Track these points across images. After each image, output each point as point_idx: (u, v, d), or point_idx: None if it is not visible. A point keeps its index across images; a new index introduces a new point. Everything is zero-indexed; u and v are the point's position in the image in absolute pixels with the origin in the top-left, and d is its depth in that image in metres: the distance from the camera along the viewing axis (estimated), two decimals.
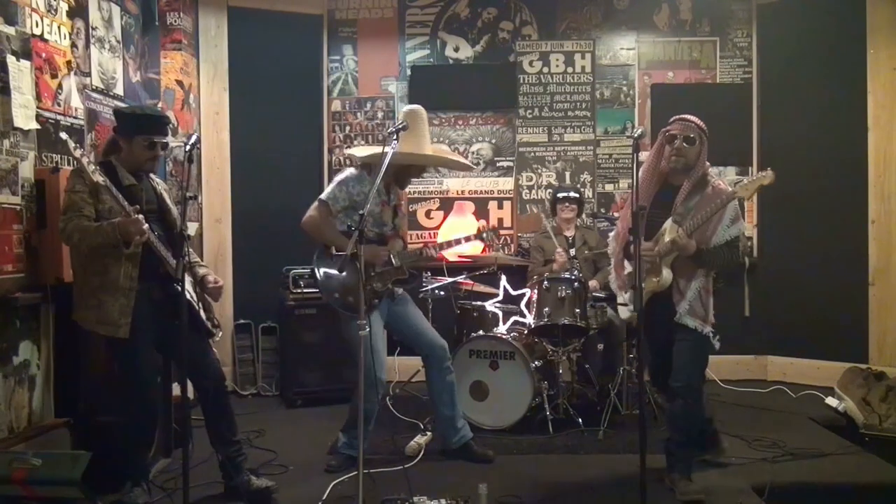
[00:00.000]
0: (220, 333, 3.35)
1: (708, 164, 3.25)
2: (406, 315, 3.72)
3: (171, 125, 3.19)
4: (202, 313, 3.22)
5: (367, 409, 3.49)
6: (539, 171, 5.75)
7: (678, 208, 3.17)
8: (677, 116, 3.26)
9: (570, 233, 4.95)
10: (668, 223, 3.16)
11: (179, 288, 2.78)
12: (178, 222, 3.23)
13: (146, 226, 2.90)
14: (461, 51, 5.74)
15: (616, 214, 4.86)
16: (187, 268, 3.24)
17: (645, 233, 3.15)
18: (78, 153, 2.85)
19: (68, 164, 3.58)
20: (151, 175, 3.24)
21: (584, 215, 5.25)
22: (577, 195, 4.98)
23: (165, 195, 3.25)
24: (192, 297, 3.16)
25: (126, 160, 3.08)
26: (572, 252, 4.82)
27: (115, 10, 4.19)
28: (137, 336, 2.98)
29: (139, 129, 3.05)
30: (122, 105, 4.19)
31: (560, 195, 4.98)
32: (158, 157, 3.13)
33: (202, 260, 3.93)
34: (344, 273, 3.28)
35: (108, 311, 2.95)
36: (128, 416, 3.09)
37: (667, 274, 3.16)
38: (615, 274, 3.51)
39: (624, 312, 3.56)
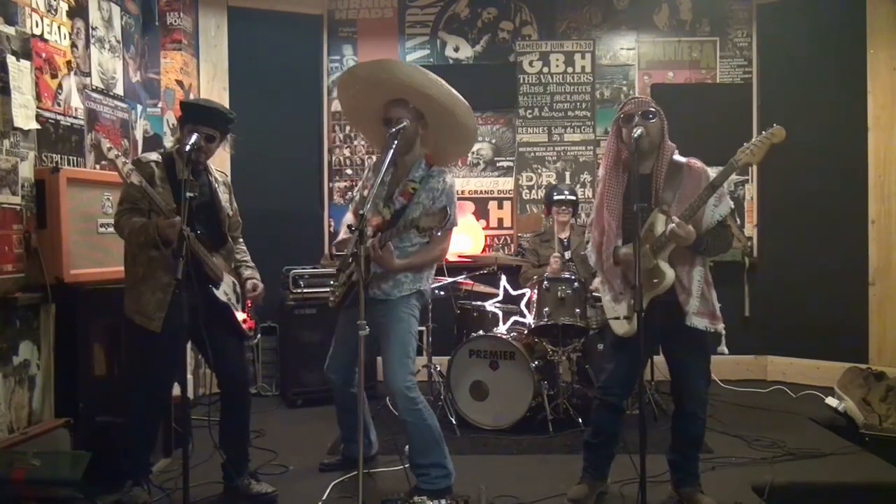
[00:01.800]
0: (258, 336, 3.34)
1: (673, 144, 3.02)
2: (380, 339, 3.28)
3: (227, 120, 3.11)
4: (238, 315, 3.20)
5: (339, 408, 3.52)
6: (539, 171, 5.75)
7: (662, 196, 2.93)
8: (628, 98, 3.05)
9: (564, 234, 4.88)
10: (655, 215, 2.91)
11: (210, 289, 2.75)
12: (228, 221, 3.24)
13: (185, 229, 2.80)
14: (461, 51, 5.74)
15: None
16: (234, 268, 3.27)
17: (624, 233, 3.00)
18: (112, 154, 2.84)
19: (68, 163, 3.58)
20: (213, 169, 3.21)
21: (582, 214, 5.23)
22: (573, 197, 4.91)
23: (221, 191, 3.22)
24: (229, 299, 3.16)
25: (181, 152, 3.07)
26: (567, 255, 4.79)
27: (115, 10, 4.19)
28: (167, 332, 2.98)
29: (187, 119, 3.06)
30: (122, 104, 4.21)
31: (556, 197, 4.88)
32: (202, 149, 3.03)
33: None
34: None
35: (145, 303, 2.99)
36: (135, 410, 3.09)
37: (668, 271, 2.89)
38: (607, 286, 3.10)
39: (619, 328, 3.03)
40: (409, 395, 3.16)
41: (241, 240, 3.44)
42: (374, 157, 3.45)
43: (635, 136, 2.84)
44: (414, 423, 3.18)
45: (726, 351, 3.03)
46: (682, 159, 3.00)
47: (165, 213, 2.87)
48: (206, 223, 3.11)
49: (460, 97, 3.31)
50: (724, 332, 2.97)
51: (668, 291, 2.92)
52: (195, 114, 3.07)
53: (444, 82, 3.27)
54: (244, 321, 3.24)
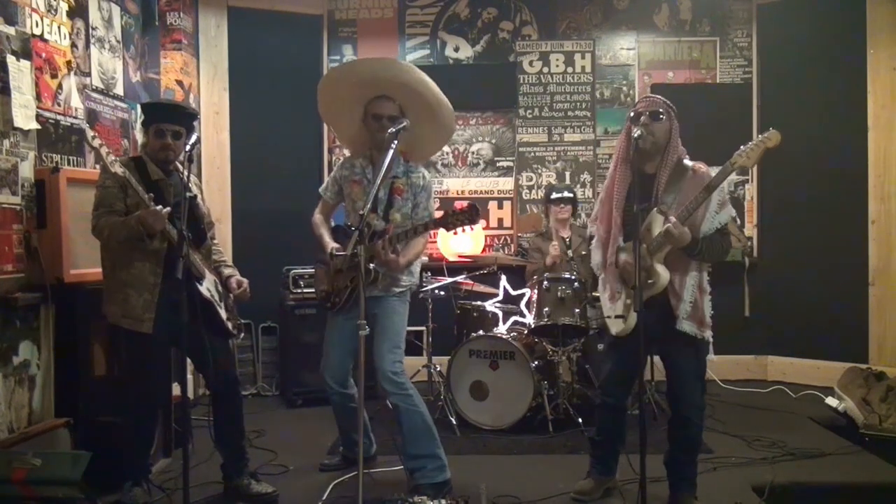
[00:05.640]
0: (242, 335, 3.32)
1: (683, 148, 3.00)
2: (373, 330, 3.22)
3: (190, 116, 3.12)
4: (222, 313, 3.20)
5: (336, 411, 3.52)
6: (539, 171, 5.75)
7: (661, 198, 2.93)
8: (643, 96, 3.12)
9: (566, 233, 4.88)
10: (654, 215, 2.90)
11: (195, 284, 2.76)
12: (204, 219, 3.23)
13: (167, 214, 2.84)
14: (461, 51, 5.74)
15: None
16: (213, 268, 3.25)
17: (624, 231, 3.02)
18: (96, 143, 2.83)
19: (68, 164, 3.58)
20: (183, 170, 3.17)
21: (582, 214, 5.24)
22: (570, 195, 4.91)
23: (195, 191, 3.21)
24: (212, 296, 3.16)
25: (150, 153, 3.08)
26: (570, 253, 4.80)
27: (115, 10, 4.19)
28: (157, 332, 2.98)
29: (150, 118, 3.07)
30: (121, 104, 4.21)
31: (554, 196, 4.90)
32: (170, 147, 3.04)
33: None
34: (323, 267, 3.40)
35: (132, 306, 2.97)
36: (133, 413, 3.09)
37: (663, 272, 2.89)
38: (606, 285, 3.14)
39: (614, 327, 3.07)
40: (396, 380, 3.22)
41: (216, 240, 3.42)
42: (347, 152, 3.59)
43: (634, 136, 2.86)
44: (405, 407, 3.21)
45: (714, 358, 3.06)
46: (689, 163, 3.00)
47: (147, 203, 2.87)
48: (186, 221, 3.11)
49: (445, 98, 3.39)
50: (711, 339, 2.99)
51: (662, 292, 2.94)
52: (159, 113, 3.08)
53: (432, 82, 3.35)
54: (228, 319, 3.23)
